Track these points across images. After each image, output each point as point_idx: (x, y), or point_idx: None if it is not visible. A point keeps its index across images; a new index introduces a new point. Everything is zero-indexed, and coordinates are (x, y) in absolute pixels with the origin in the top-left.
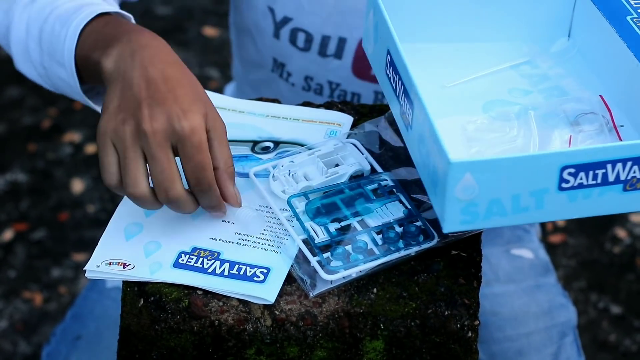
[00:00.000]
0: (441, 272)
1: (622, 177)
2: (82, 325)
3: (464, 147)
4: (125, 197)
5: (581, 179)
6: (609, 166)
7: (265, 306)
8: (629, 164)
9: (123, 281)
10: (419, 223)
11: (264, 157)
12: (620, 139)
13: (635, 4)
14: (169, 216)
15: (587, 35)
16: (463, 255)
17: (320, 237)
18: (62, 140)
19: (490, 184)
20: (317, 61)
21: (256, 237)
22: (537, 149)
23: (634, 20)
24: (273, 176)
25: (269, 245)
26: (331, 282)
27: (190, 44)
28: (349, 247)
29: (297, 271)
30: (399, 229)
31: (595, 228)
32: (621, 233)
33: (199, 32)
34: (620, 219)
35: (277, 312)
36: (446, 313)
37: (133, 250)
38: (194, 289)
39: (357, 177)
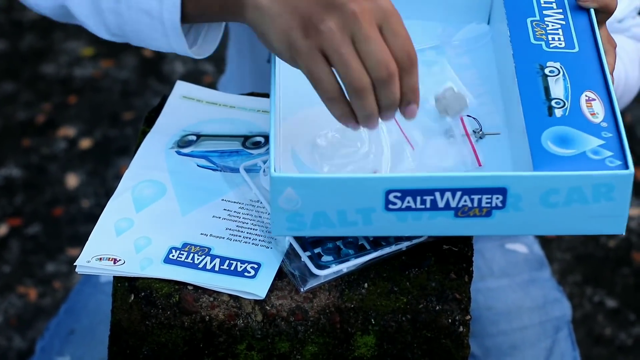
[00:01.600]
0: (432, 267)
1: (453, 205)
2: (76, 320)
3: (315, 164)
4: (116, 192)
5: (408, 202)
6: (437, 194)
7: (256, 301)
8: (459, 193)
9: (114, 277)
10: None
11: (255, 152)
12: (473, 147)
13: (545, 3)
14: (159, 211)
15: (498, 27)
16: (454, 250)
17: None
18: (57, 135)
19: (313, 199)
20: None
21: (247, 233)
22: (389, 168)
23: (534, 23)
24: (264, 171)
25: (259, 240)
26: (322, 277)
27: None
28: (339, 242)
29: (288, 266)
30: None
31: None
32: None
33: None
34: None
35: (268, 308)
36: (437, 308)
37: (123, 245)
38: (184, 284)
39: None
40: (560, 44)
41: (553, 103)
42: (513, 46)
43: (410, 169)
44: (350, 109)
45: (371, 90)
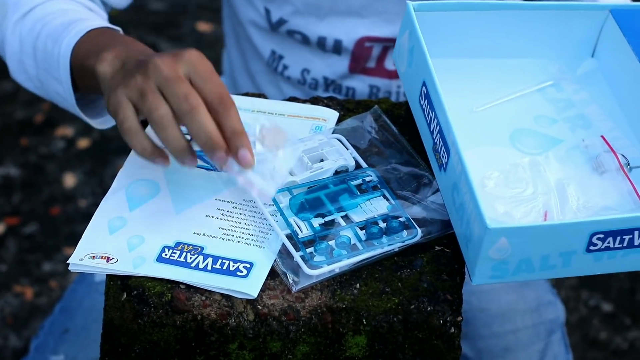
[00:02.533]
0: (424, 268)
1: None
2: (70, 319)
3: (487, 204)
4: (110, 191)
5: (609, 242)
6: (637, 232)
7: (248, 301)
8: None
9: (106, 275)
10: (402, 219)
11: None
12: (631, 181)
13: None
14: (152, 210)
15: (611, 59)
16: (447, 251)
17: (304, 232)
18: (55, 134)
19: (523, 247)
20: (318, 54)
21: (240, 232)
22: (558, 207)
23: None
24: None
25: (252, 240)
26: (314, 277)
27: (184, 39)
28: (332, 243)
29: (280, 266)
30: (382, 225)
31: None
32: None
33: (192, 28)
34: None
35: (260, 307)
36: (429, 309)
37: (116, 244)
38: (177, 283)
39: (341, 173)
40: None
41: None
42: None
43: (578, 207)
44: (149, 143)
45: (171, 120)
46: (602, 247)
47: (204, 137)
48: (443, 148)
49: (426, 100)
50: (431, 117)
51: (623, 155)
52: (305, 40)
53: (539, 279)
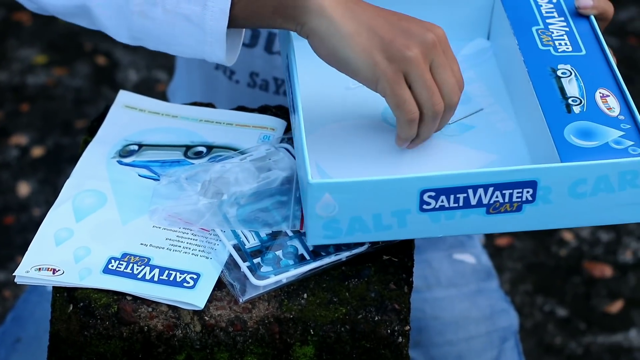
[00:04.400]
0: (372, 277)
1: (485, 201)
2: (22, 328)
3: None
4: (57, 202)
5: (442, 201)
6: (470, 191)
7: (195, 312)
8: (491, 189)
9: (53, 287)
10: None
11: (197, 162)
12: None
13: (547, 12)
14: (99, 221)
15: (501, 40)
16: (394, 260)
17: (251, 242)
18: (8, 143)
19: (350, 204)
20: (263, 57)
21: (187, 243)
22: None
23: (539, 31)
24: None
25: (199, 250)
26: (261, 287)
27: (138, 46)
28: (279, 253)
29: (227, 277)
30: None
31: (541, 231)
32: (567, 236)
33: None
34: None
35: (207, 318)
36: (376, 318)
37: (63, 255)
38: (123, 294)
39: (289, 182)
40: (567, 49)
41: (570, 101)
42: (523, 53)
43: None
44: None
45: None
46: (436, 206)
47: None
48: (294, 115)
49: (287, 73)
50: (289, 87)
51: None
52: (254, 36)
53: (377, 240)
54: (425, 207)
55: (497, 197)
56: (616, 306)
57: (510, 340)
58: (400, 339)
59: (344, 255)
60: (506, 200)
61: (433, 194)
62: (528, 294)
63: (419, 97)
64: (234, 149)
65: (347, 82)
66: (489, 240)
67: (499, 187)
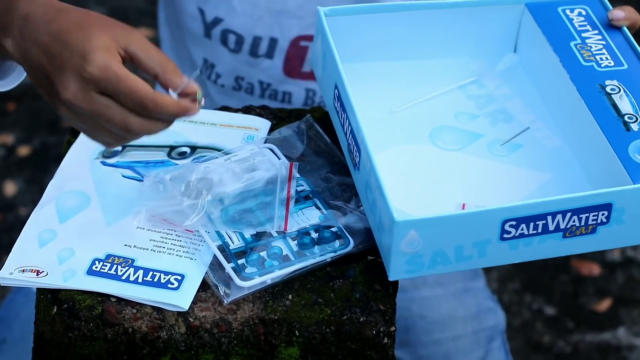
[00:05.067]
0: (357, 278)
1: (562, 226)
2: (8, 329)
3: (407, 186)
4: (40, 203)
5: (522, 229)
6: (549, 217)
7: (180, 313)
8: (569, 214)
9: (37, 289)
10: (334, 229)
11: (181, 162)
12: None
13: (580, 26)
14: (83, 222)
15: (533, 54)
16: (379, 261)
17: (236, 243)
18: None
19: (434, 238)
20: (248, 61)
21: (171, 244)
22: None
23: (578, 46)
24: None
25: (183, 252)
26: (246, 288)
27: None
28: (264, 254)
29: (212, 278)
30: (314, 235)
31: None
32: None
33: None
34: None
35: (192, 319)
36: (362, 319)
37: (46, 257)
38: (107, 296)
39: (273, 183)
40: (609, 63)
41: (626, 118)
42: (567, 70)
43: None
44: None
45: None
46: (516, 234)
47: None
48: (355, 148)
49: (339, 103)
50: (344, 119)
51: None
52: (239, 42)
53: (457, 271)
54: (505, 236)
55: (573, 221)
56: (604, 304)
57: (497, 340)
58: (385, 340)
59: (328, 256)
60: (582, 223)
61: (514, 223)
62: (516, 292)
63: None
64: (218, 150)
65: (389, 104)
66: None
67: (577, 211)
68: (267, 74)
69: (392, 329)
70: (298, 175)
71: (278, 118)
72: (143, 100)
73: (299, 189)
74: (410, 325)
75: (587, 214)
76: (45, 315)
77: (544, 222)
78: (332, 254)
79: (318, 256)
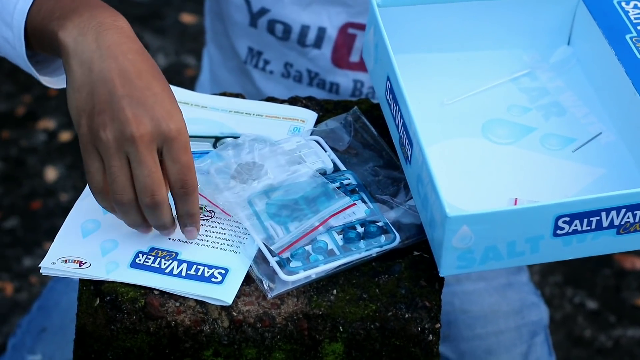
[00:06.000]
0: (402, 274)
1: (616, 223)
2: (48, 318)
3: (459, 180)
4: (84, 193)
5: (576, 226)
6: (603, 214)
7: (223, 307)
8: (623, 210)
9: (79, 279)
10: (380, 223)
11: (226, 153)
12: None
13: (636, 19)
14: None
15: (587, 47)
16: (425, 257)
17: (280, 236)
18: (36, 127)
19: (486, 234)
20: (297, 49)
21: (215, 237)
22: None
23: (634, 39)
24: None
25: (227, 245)
26: (290, 283)
27: (168, 31)
28: (309, 248)
29: (256, 272)
30: (360, 229)
31: None
32: None
33: (176, 19)
34: None
35: (235, 314)
36: (407, 316)
37: (89, 248)
38: (150, 289)
39: (319, 176)
40: None
41: None
42: (623, 63)
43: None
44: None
45: (134, 207)
46: (570, 230)
47: (159, 227)
48: (407, 141)
49: (391, 95)
50: (396, 111)
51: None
52: (286, 31)
53: (508, 267)
54: (558, 232)
55: (628, 217)
56: None
57: (540, 335)
58: (430, 337)
59: (374, 250)
60: (637, 220)
61: (568, 219)
62: (558, 285)
63: (107, 178)
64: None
65: (440, 97)
66: None
67: (631, 208)
68: (315, 63)
69: (437, 325)
70: (344, 168)
71: (324, 110)
72: (192, 178)
73: (345, 182)
74: (453, 319)
75: None
76: (87, 307)
77: (598, 218)
78: (378, 249)
79: (364, 251)
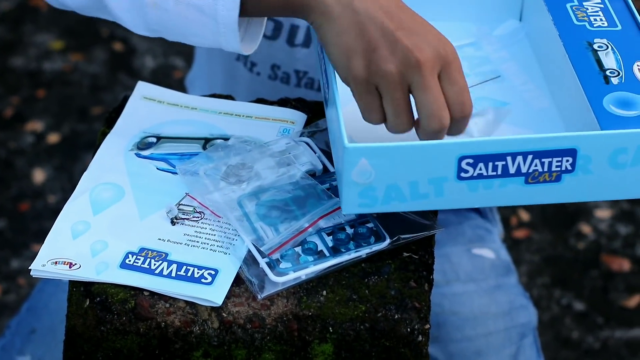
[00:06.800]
0: (392, 275)
1: (524, 170)
2: (37, 319)
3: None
4: (74, 194)
5: (480, 169)
6: (509, 158)
7: (213, 308)
8: (530, 157)
9: (69, 281)
10: (370, 224)
11: (216, 155)
12: None
13: None
14: (116, 214)
15: (534, 20)
16: (414, 257)
17: (270, 237)
18: (24, 129)
19: (387, 170)
20: (285, 50)
21: (205, 238)
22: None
23: (574, 8)
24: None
25: (217, 246)
26: (280, 284)
27: None
28: (298, 249)
29: (246, 273)
30: (350, 230)
31: (559, 223)
32: (586, 229)
33: None
34: (585, 214)
35: (225, 315)
36: (396, 317)
37: (79, 249)
38: (140, 289)
39: (309, 177)
40: (603, 24)
41: (607, 73)
42: (558, 28)
43: None
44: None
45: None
46: (474, 174)
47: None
48: (326, 83)
49: (319, 46)
50: (321, 58)
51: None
52: (276, 29)
53: (412, 210)
54: (463, 174)
55: (536, 165)
56: (634, 300)
57: (529, 337)
58: (420, 338)
59: (363, 252)
60: (545, 169)
61: (471, 161)
62: (545, 287)
63: (385, 112)
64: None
65: None
66: (507, 232)
67: (538, 155)
68: (303, 62)
69: (427, 326)
70: (333, 170)
71: (314, 111)
72: (469, 99)
73: (334, 183)
74: (442, 321)
75: (550, 159)
76: (77, 308)
77: (504, 163)
78: (368, 250)
79: (353, 252)
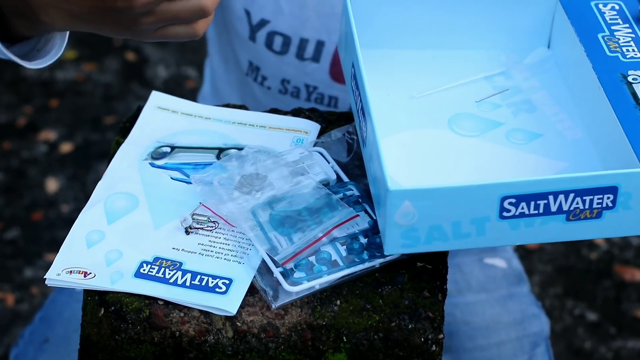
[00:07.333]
0: (406, 285)
1: (565, 208)
2: (50, 328)
3: (418, 167)
4: (89, 204)
5: (522, 208)
6: (551, 197)
7: (227, 317)
8: (571, 195)
9: (84, 290)
10: None
11: (229, 164)
12: None
13: (611, 19)
14: (131, 224)
15: (564, 48)
16: (428, 268)
17: (284, 247)
18: (37, 138)
19: (430, 211)
20: (294, 64)
21: (219, 248)
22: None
23: (605, 38)
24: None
25: (231, 255)
26: (294, 293)
27: (168, 43)
28: (312, 258)
29: (260, 282)
30: (363, 240)
31: None
32: (598, 239)
33: None
34: None
35: (239, 324)
36: (410, 326)
37: (94, 258)
38: (155, 299)
39: (322, 187)
40: (636, 55)
41: None
42: (590, 59)
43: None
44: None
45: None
46: (516, 213)
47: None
48: (364, 122)
49: (354, 81)
50: (357, 96)
51: None
52: (285, 44)
53: (456, 249)
54: (505, 214)
55: (577, 203)
56: None
57: (541, 346)
58: (433, 347)
59: (377, 262)
60: (586, 206)
61: (514, 200)
62: (558, 297)
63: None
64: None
65: (410, 91)
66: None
67: (580, 193)
68: (313, 77)
69: (441, 336)
70: (347, 180)
71: (327, 121)
72: None
73: (348, 193)
74: (454, 330)
75: (592, 197)
76: (92, 318)
77: (545, 201)
78: (382, 260)
79: (367, 262)
